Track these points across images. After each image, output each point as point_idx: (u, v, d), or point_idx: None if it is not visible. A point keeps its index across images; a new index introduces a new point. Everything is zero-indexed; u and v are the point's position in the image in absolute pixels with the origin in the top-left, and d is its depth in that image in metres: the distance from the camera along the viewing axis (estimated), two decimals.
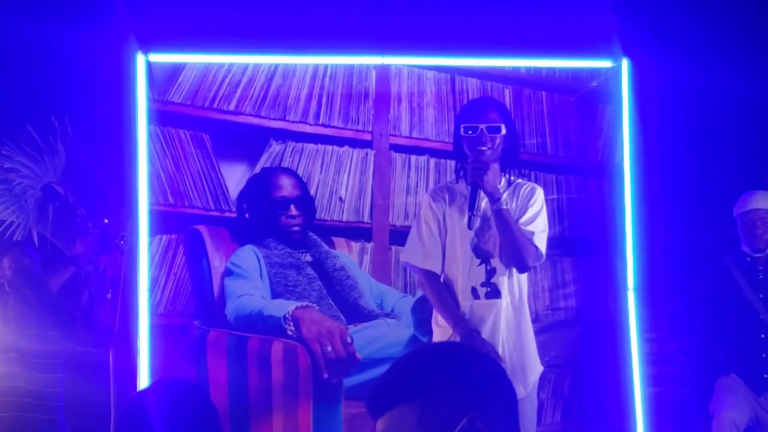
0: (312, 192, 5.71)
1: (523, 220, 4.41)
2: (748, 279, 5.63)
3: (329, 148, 5.85)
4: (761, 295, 5.58)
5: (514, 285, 4.48)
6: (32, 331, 4.90)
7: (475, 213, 4.29)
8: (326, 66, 5.85)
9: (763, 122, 6.15)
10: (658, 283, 5.88)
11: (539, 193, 4.54)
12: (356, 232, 5.85)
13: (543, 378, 5.84)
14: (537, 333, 5.91)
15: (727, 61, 5.97)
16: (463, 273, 4.44)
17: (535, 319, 5.95)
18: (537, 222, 4.44)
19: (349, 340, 4.99)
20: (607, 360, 5.87)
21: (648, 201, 5.83)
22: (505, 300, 4.44)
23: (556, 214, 6.13)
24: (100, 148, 5.43)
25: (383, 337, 5.20)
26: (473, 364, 1.73)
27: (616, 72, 5.95)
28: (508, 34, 5.76)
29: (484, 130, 4.36)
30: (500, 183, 4.50)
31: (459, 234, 4.47)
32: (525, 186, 4.58)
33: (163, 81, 5.59)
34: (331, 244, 5.73)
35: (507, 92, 6.14)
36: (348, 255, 5.75)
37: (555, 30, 5.74)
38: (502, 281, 4.43)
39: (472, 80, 6.10)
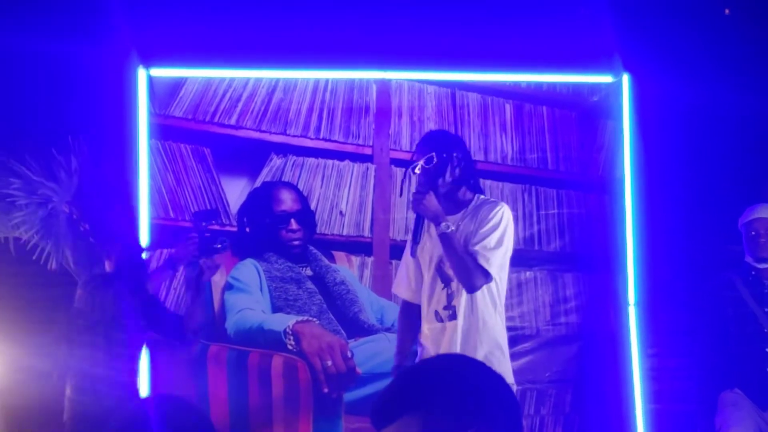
0: (312, 206, 5.71)
1: (474, 239, 4.48)
2: (753, 292, 5.60)
3: (330, 162, 5.85)
4: (767, 309, 5.56)
5: (476, 306, 4.50)
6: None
7: (418, 241, 4.51)
8: (327, 80, 5.86)
9: (763, 136, 6.15)
10: (660, 298, 5.87)
11: (500, 209, 4.57)
12: (357, 246, 5.85)
13: (544, 394, 5.86)
14: (537, 348, 5.94)
15: (726, 76, 5.97)
16: (428, 298, 4.60)
17: (536, 335, 5.95)
18: (488, 239, 4.48)
19: (349, 354, 4.99)
20: (608, 376, 5.86)
21: (649, 216, 5.83)
22: (461, 321, 4.49)
23: (557, 229, 6.13)
24: (103, 163, 5.43)
25: (384, 351, 5.19)
26: (477, 376, 1.72)
27: (616, 87, 5.96)
28: (509, 49, 5.76)
29: (421, 164, 4.57)
30: (475, 201, 4.65)
31: (428, 262, 4.62)
32: (488, 204, 4.64)
33: (164, 95, 5.61)
34: (332, 259, 5.73)
35: (507, 107, 6.15)
36: (348, 269, 5.74)
37: (556, 45, 5.75)
38: (460, 303, 4.50)
39: (472, 95, 6.10)
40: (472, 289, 4.48)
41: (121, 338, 4.82)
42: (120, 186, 5.24)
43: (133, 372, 4.91)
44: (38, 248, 5.40)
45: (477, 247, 4.45)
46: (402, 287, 4.76)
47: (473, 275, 4.43)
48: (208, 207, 5.48)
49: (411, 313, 4.70)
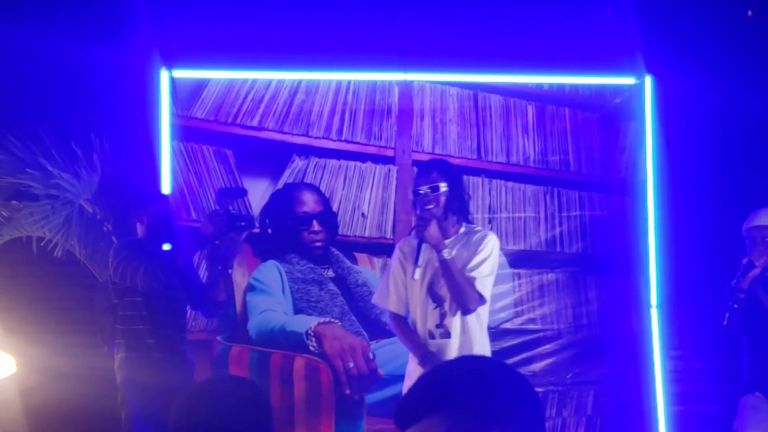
0: (334, 208, 5.71)
1: (469, 265, 4.71)
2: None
3: (352, 163, 5.86)
4: None
5: (467, 326, 4.72)
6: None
7: (419, 264, 4.65)
8: (349, 82, 5.87)
9: None
10: (682, 300, 5.85)
11: (490, 239, 4.81)
12: (379, 247, 5.85)
13: (565, 396, 5.83)
14: (559, 350, 5.92)
15: (749, 78, 5.95)
16: (421, 317, 4.74)
17: (558, 336, 5.94)
18: (483, 267, 4.74)
19: (371, 356, 5.00)
20: (630, 378, 5.84)
21: (671, 218, 5.82)
22: (455, 340, 4.69)
23: (579, 231, 6.11)
24: (126, 163, 5.46)
25: (405, 353, 5.19)
26: (500, 377, 1.72)
27: (639, 89, 5.95)
28: (531, 51, 5.76)
29: (427, 190, 4.69)
30: (459, 231, 4.80)
31: (418, 281, 4.74)
32: (478, 233, 4.85)
33: (186, 97, 5.62)
34: (354, 260, 5.73)
35: (530, 109, 6.14)
36: (370, 271, 5.74)
37: (578, 47, 5.74)
38: (454, 323, 4.69)
39: (494, 97, 6.09)
40: (467, 312, 4.75)
41: (164, 305, 4.90)
42: (141, 186, 5.28)
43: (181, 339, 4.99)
44: (45, 239, 5.44)
45: (473, 273, 4.69)
46: (387, 299, 4.83)
47: (470, 299, 4.68)
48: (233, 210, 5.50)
49: (402, 321, 4.81)
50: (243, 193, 5.43)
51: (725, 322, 5.32)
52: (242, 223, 4.92)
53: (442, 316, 4.73)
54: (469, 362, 1.81)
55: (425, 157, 5.95)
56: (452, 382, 1.70)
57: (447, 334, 4.72)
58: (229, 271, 5.01)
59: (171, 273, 4.77)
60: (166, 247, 4.86)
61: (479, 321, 4.79)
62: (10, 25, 5.22)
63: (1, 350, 5.32)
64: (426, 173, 4.77)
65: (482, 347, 4.80)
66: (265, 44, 5.57)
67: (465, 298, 4.67)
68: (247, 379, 2.72)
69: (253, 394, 2.54)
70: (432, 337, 4.72)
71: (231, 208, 5.02)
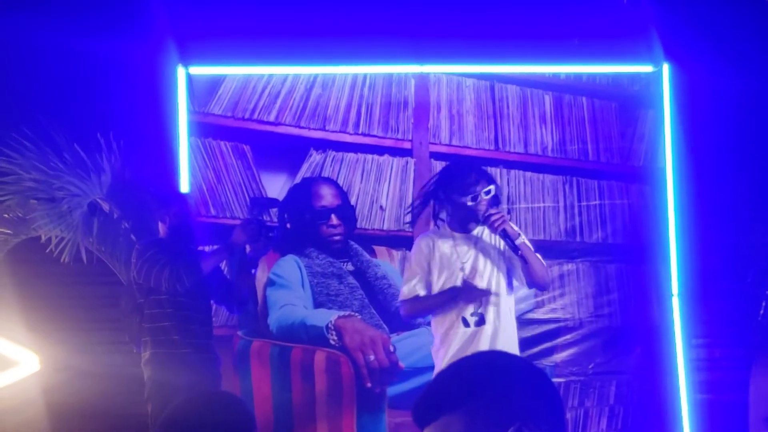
0: (353, 201, 5.71)
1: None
2: None
3: (369, 157, 5.85)
4: None
5: (499, 313, 4.82)
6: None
7: (519, 253, 4.78)
8: (365, 75, 5.86)
9: None
10: (703, 288, 5.83)
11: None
12: (397, 240, 5.84)
13: (588, 386, 5.81)
14: (581, 340, 5.91)
15: (766, 65, 5.92)
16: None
17: (579, 326, 5.93)
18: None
19: (391, 349, 4.99)
20: (652, 367, 5.83)
21: (691, 206, 5.79)
22: (490, 326, 4.78)
23: (599, 221, 6.09)
24: (143, 161, 5.47)
25: (426, 345, 5.19)
26: (520, 372, 1.71)
27: (657, 77, 5.92)
28: (548, 41, 5.74)
29: (482, 195, 4.81)
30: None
31: (448, 270, 4.85)
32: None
33: (203, 93, 5.63)
34: (373, 253, 5.72)
35: (547, 98, 6.11)
36: (389, 263, 5.74)
37: (595, 35, 5.72)
38: (489, 310, 4.79)
39: (511, 87, 6.07)
40: (545, 288, 5.15)
41: (188, 303, 4.94)
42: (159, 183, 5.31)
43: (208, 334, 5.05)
44: (63, 237, 5.46)
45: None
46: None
47: (548, 275, 4.99)
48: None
49: (420, 299, 4.88)
50: (275, 203, 5.45)
51: (762, 311, 5.31)
52: (272, 234, 4.99)
53: (477, 304, 4.79)
54: (487, 358, 1.80)
55: (443, 149, 5.94)
56: (471, 378, 1.69)
57: (481, 321, 4.76)
58: (253, 271, 5.11)
59: (194, 274, 4.82)
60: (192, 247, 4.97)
61: (510, 307, 4.89)
62: (27, 22, 5.25)
63: (25, 348, 5.35)
64: (475, 179, 4.85)
65: (513, 333, 4.90)
66: (281, 39, 5.58)
67: (546, 276, 4.92)
68: (232, 395, 2.73)
69: (237, 411, 2.55)
70: (467, 324, 4.77)
71: (263, 217, 5.08)
